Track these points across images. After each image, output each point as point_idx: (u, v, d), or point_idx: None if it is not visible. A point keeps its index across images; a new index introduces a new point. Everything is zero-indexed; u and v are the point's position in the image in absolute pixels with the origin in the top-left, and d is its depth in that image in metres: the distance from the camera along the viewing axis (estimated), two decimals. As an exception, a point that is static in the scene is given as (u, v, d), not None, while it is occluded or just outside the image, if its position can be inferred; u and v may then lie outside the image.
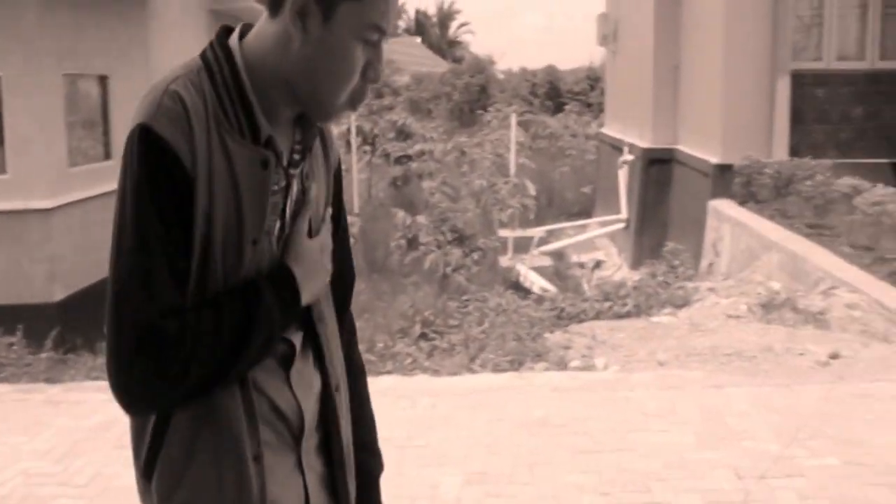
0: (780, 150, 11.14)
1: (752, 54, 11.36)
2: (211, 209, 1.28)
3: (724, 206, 10.55)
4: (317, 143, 1.45)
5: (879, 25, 11.74)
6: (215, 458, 1.31)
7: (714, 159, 11.47)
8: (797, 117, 11.37)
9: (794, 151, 10.98)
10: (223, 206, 1.29)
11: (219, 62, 1.33)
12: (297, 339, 1.42)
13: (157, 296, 1.24)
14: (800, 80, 11.35)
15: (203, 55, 1.35)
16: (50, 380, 6.04)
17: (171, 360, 1.24)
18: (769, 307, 6.90)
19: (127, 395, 1.26)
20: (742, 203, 10.25)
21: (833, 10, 11.63)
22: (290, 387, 1.40)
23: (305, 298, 1.39)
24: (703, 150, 12.22)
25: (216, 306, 1.29)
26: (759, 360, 5.54)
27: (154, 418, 1.32)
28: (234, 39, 1.36)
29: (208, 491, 1.32)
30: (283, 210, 1.39)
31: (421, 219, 13.89)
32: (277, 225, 1.38)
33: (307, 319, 1.44)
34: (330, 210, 1.50)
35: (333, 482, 1.48)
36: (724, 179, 10.95)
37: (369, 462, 1.60)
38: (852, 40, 11.80)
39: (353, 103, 1.37)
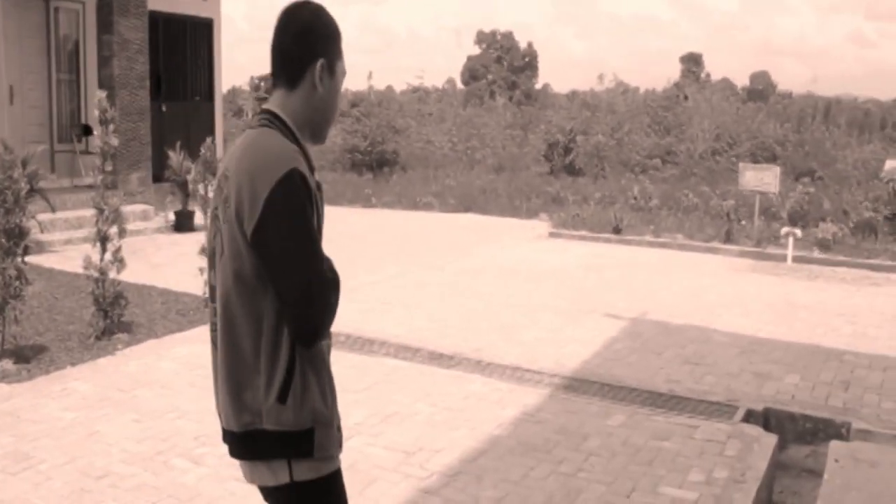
0: None
1: None
2: (318, 220, 2.17)
3: None
4: None
5: None
6: (319, 377, 2.19)
7: None
8: None
9: None
10: (318, 216, 2.18)
11: (286, 133, 2.19)
12: None
13: (324, 262, 2.12)
14: None
15: (269, 123, 2.21)
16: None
17: (335, 301, 2.15)
18: None
19: (320, 330, 2.11)
20: None
21: None
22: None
23: None
24: None
25: (331, 271, 2.16)
26: None
27: (284, 365, 2.12)
28: (278, 110, 2.23)
29: (319, 396, 2.18)
30: None
31: None
32: None
33: None
34: None
35: None
36: None
37: None
38: None
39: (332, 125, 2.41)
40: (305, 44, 2.22)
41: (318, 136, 2.32)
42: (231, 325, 2.18)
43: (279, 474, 2.18)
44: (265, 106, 2.28)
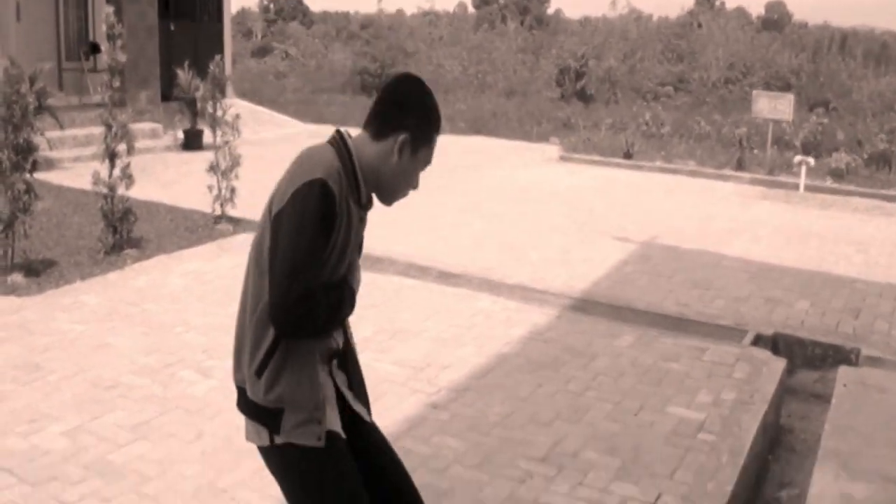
0: None
1: None
2: (338, 236, 2.31)
3: None
4: None
5: None
6: (298, 368, 2.32)
7: None
8: None
9: None
10: (343, 236, 2.33)
11: (342, 154, 2.34)
12: None
13: (316, 276, 2.24)
14: None
15: (334, 146, 2.36)
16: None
17: (316, 310, 2.25)
18: None
19: (288, 325, 2.21)
20: None
21: None
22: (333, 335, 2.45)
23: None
24: None
25: (336, 288, 2.35)
26: None
27: (267, 346, 2.30)
28: (351, 141, 2.37)
29: (293, 384, 2.32)
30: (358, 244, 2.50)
31: None
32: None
33: None
34: None
35: (350, 385, 2.55)
36: None
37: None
38: None
39: (404, 195, 2.46)
40: (399, 112, 2.33)
41: (384, 197, 2.43)
42: (245, 293, 2.40)
43: (262, 436, 2.39)
44: (343, 129, 2.43)
